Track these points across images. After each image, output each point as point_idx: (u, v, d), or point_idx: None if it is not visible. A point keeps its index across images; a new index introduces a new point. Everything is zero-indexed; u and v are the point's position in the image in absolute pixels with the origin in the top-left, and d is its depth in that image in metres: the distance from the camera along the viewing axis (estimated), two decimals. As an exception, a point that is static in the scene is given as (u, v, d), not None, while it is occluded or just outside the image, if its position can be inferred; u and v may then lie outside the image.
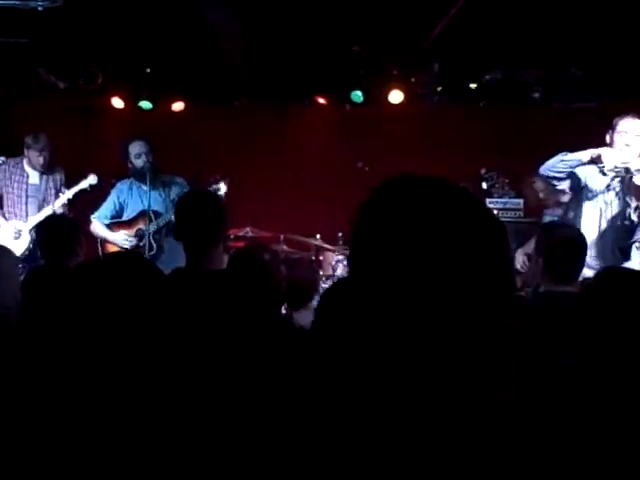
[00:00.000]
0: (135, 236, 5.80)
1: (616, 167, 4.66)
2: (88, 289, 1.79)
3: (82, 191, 6.15)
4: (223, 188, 5.61)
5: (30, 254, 5.89)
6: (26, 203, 6.19)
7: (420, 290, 0.98)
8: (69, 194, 6.12)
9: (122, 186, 5.93)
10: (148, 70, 7.16)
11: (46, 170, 6.22)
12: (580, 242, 3.69)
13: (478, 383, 1.01)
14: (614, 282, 2.25)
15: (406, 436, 0.98)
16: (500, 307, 1.01)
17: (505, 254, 1.03)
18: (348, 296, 1.09)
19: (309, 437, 1.04)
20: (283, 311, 4.37)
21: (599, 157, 4.68)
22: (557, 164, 4.81)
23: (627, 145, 4.63)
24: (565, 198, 5.42)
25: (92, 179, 6.15)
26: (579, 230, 4.08)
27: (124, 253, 3.08)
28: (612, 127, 4.73)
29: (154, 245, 5.65)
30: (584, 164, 4.75)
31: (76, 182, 6.18)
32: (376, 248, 1.01)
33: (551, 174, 4.89)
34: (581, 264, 3.62)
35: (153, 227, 5.66)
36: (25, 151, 6.19)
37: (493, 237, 1.02)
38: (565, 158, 4.79)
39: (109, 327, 1.76)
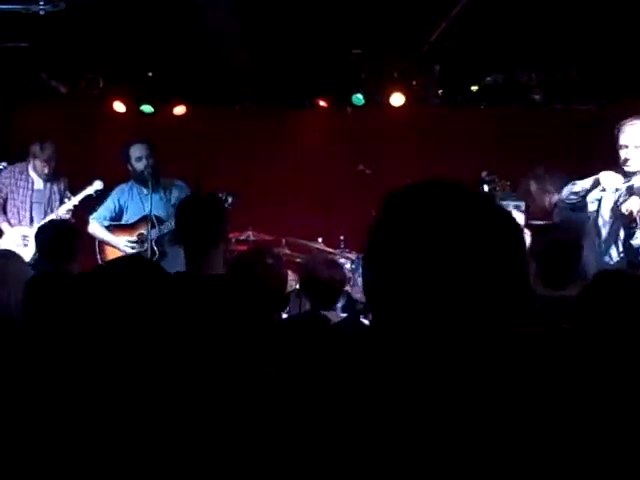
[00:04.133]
0: (137, 241, 5.79)
1: (617, 189, 4.66)
2: (91, 295, 1.80)
3: (88, 197, 6.11)
4: (230, 199, 5.53)
5: (38, 259, 5.81)
6: (31, 209, 6.15)
7: (440, 294, 1.01)
8: (75, 200, 6.08)
9: (122, 188, 5.91)
10: (150, 74, 7.18)
11: (50, 178, 6.18)
12: (573, 245, 3.66)
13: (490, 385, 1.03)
14: (610, 284, 2.26)
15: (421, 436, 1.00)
16: (515, 310, 1.04)
17: (520, 254, 1.06)
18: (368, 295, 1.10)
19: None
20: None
21: (598, 181, 4.71)
22: (570, 196, 4.88)
23: (627, 160, 4.60)
24: (554, 198, 5.51)
25: (98, 185, 6.10)
26: (574, 233, 4.06)
27: (128, 257, 3.08)
28: (615, 138, 4.68)
29: (156, 251, 5.63)
30: (590, 190, 4.78)
31: (80, 187, 6.14)
32: (397, 256, 1.03)
33: (569, 205, 4.95)
34: (575, 267, 3.60)
35: (155, 233, 5.64)
36: (30, 159, 6.13)
37: (509, 238, 1.05)
38: (574, 189, 4.85)
39: (111, 332, 1.76)
